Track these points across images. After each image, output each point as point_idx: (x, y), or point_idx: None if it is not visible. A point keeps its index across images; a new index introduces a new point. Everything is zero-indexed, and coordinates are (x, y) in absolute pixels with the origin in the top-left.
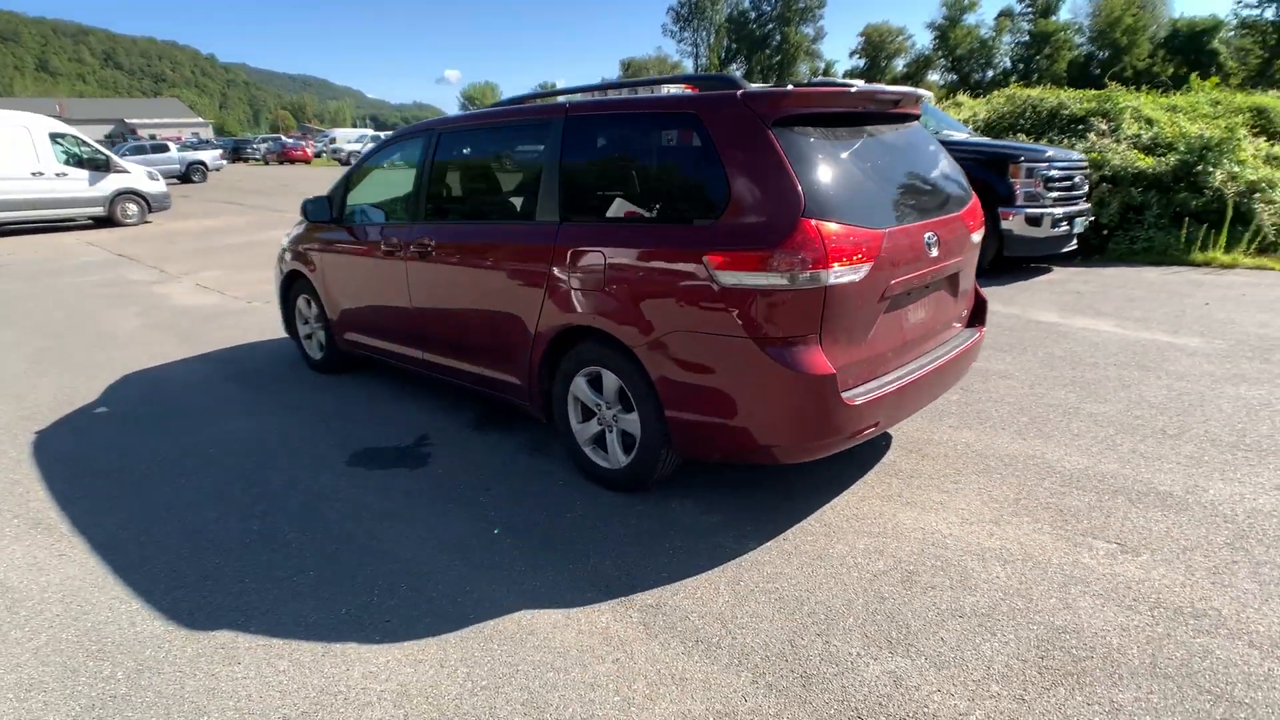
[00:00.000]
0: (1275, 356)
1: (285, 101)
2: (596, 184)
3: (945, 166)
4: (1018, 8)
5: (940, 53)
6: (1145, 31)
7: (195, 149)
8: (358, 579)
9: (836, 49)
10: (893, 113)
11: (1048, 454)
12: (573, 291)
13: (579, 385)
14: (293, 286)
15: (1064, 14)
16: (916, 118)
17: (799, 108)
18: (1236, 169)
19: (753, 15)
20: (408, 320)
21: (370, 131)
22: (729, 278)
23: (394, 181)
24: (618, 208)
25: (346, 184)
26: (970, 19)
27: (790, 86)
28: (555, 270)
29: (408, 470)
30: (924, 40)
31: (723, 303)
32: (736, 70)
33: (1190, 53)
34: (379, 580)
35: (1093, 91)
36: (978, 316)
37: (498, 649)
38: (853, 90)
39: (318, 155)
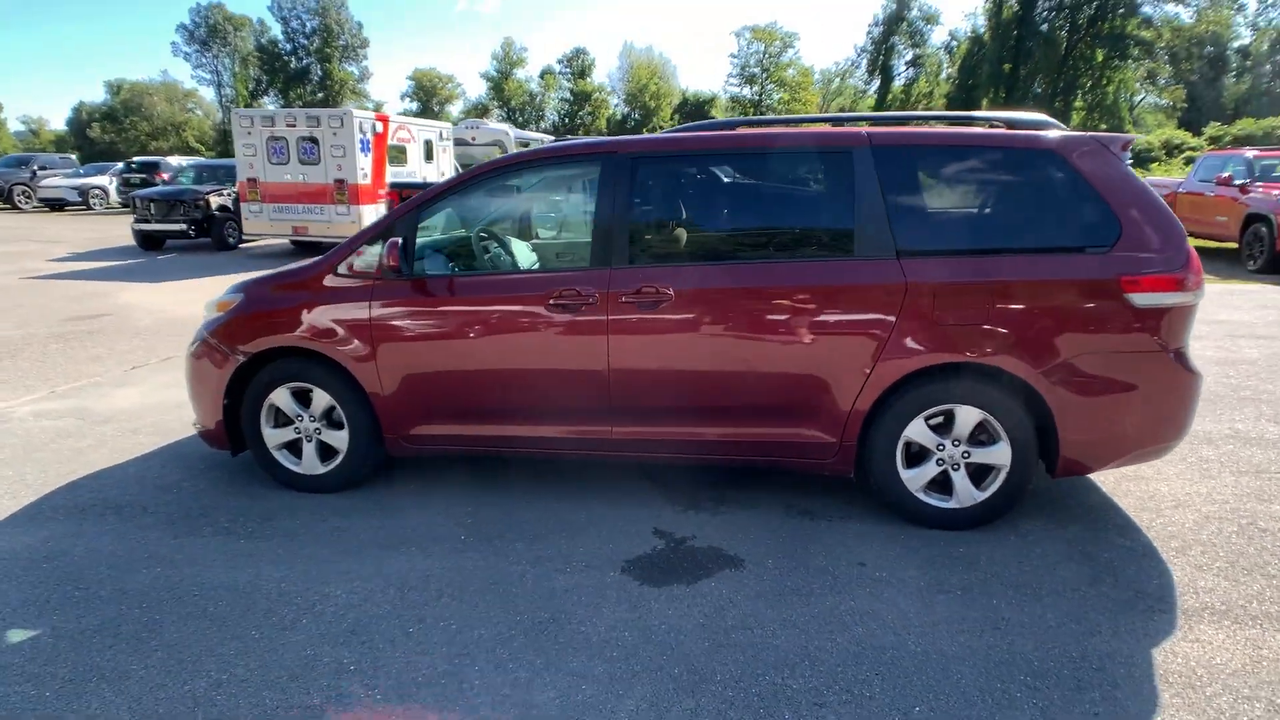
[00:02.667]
0: None
1: None
2: (939, 217)
3: None
4: (557, 68)
5: (496, 102)
6: (667, 98)
7: None
8: None
9: (384, 89)
10: None
11: None
12: (936, 329)
13: (916, 428)
14: (255, 375)
15: (599, 77)
16: None
17: (1125, 151)
18: None
19: (287, 47)
20: (590, 391)
21: None
22: (1144, 299)
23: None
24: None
25: (415, 224)
26: (520, 74)
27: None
28: (907, 308)
29: (736, 571)
30: (477, 89)
31: (1138, 322)
32: (269, 103)
33: (699, 119)
34: None
35: None
36: None
37: None
38: None
39: None
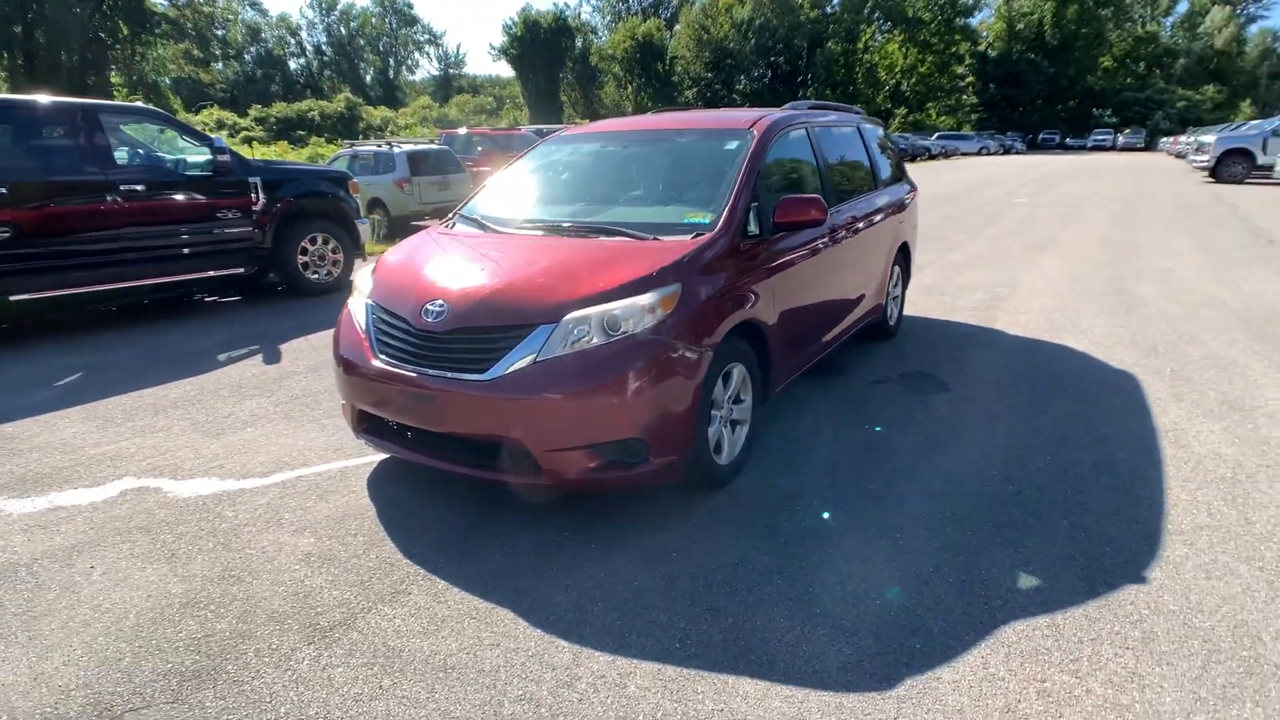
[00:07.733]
0: None
1: None
2: (878, 163)
3: None
4: None
5: None
6: None
7: None
8: None
9: None
10: None
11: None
12: (901, 226)
13: (890, 284)
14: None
15: None
16: None
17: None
18: None
19: None
20: (830, 301)
21: None
22: (914, 200)
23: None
24: None
25: (754, 186)
26: None
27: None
28: (894, 214)
29: (951, 381)
30: None
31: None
32: None
33: None
34: None
35: None
36: None
37: None
38: None
39: None
